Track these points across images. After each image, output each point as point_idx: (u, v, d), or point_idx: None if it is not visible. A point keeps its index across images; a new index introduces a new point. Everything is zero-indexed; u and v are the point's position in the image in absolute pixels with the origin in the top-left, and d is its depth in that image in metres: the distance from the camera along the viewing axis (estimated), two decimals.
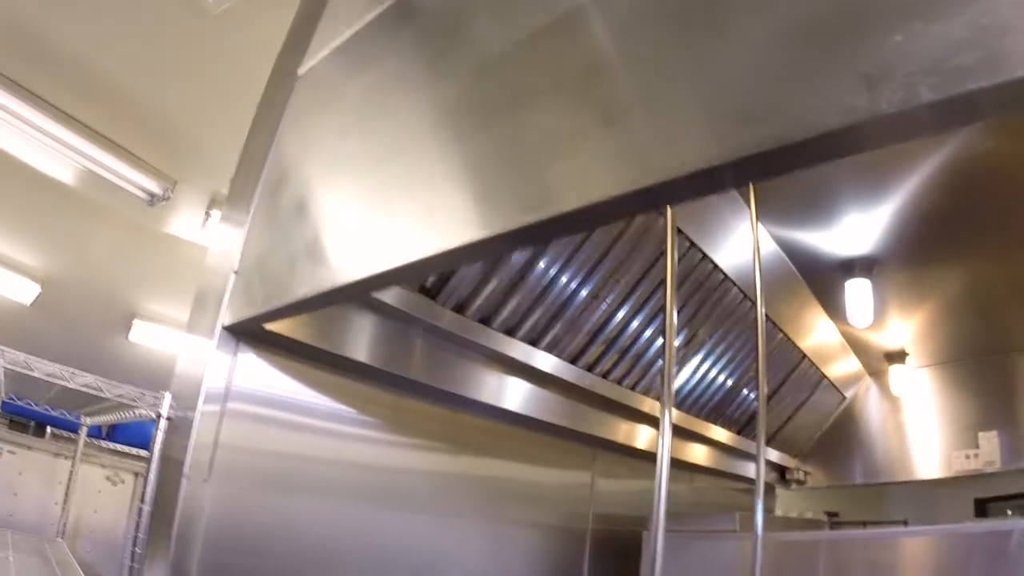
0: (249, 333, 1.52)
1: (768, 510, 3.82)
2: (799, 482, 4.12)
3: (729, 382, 2.97)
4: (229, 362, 1.52)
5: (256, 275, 1.43)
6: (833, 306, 3.10)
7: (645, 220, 2.05)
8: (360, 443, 1.83)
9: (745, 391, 3.10)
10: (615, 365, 2.40)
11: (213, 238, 1.91)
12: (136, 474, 3.68)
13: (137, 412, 1.64)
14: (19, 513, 3.17)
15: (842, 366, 3.77)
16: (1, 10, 2.56)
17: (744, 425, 3.30)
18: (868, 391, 4.12)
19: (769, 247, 2.65)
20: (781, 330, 2.98)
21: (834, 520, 4.03)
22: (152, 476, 1.48)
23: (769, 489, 4.05)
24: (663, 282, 1.44)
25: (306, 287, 1.20)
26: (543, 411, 2.22)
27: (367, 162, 1.22)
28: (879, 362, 3.89)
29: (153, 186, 3.41)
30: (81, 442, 2.85)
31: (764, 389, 1.79)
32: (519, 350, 2.02)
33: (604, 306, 2.19)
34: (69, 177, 3.38)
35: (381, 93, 1.28)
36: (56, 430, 3.88)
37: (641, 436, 2.70)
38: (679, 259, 2.25)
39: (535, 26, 0.96)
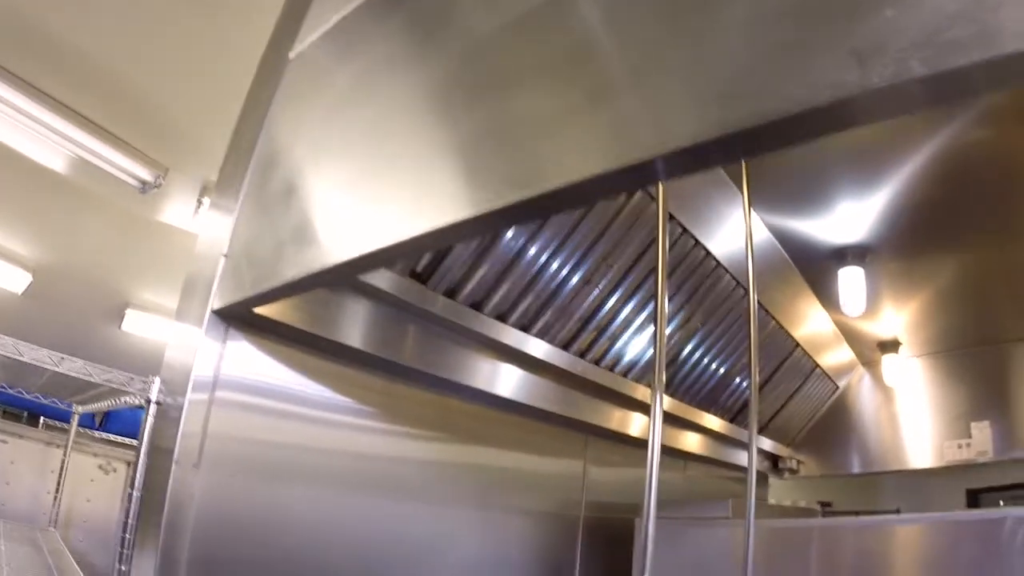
0: (239, 318, 1.51)
1: (761, 499, 3.83)
2: (792, 471, 4.14)
3: (722, 370, 2.97)
4: (219, 348, 1.51)
5: (245, 258, 1.42)
6: (826, 295, 3.11)
7: (637, 205, 2.04)
8: (352, 431, 1.82)
9: (738, 379, 3.10)
10: (607, 352, 2.40)
11: (203, 224, 1.90)
12: (128, 463, 3.67)
13: (127, 398, 1.64)
14: (11, 502, 3.17)
15: (835, 355, 3.78)
16: None
17: (737, 413, 3.31)
18: (861, 381, 4.14)
19: (762, 234, 2.64)
20: (774, 318, 2.99)
21: (827, 510, 4.05)
22: (141, 461, 1.47)
23: (762, 479, 4.07)
24: (655, 268, 1.43)
25: (295, 269, 1.19)
26: (535, 397, 2.22)
27: (355, 143, 1.21)
28: (872, 352, 3.90)
29: (145, 173, 3.38)
30: (73, 430, 2.84)
31: (756, 377, 1.79)
32: (511, 336, 2.01)
33: (596, 292, 2.18)
34: (60, 165, 3.35)
35: (370, 76, 1.27)
36: (50, 420, 3.87)
37: (634, 423, 2.70)
38: (671, 246, 2.25)
39: (524, 7, 0.95)
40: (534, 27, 0.92)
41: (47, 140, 3.13)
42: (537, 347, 2.11)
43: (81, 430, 3.21)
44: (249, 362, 1.58)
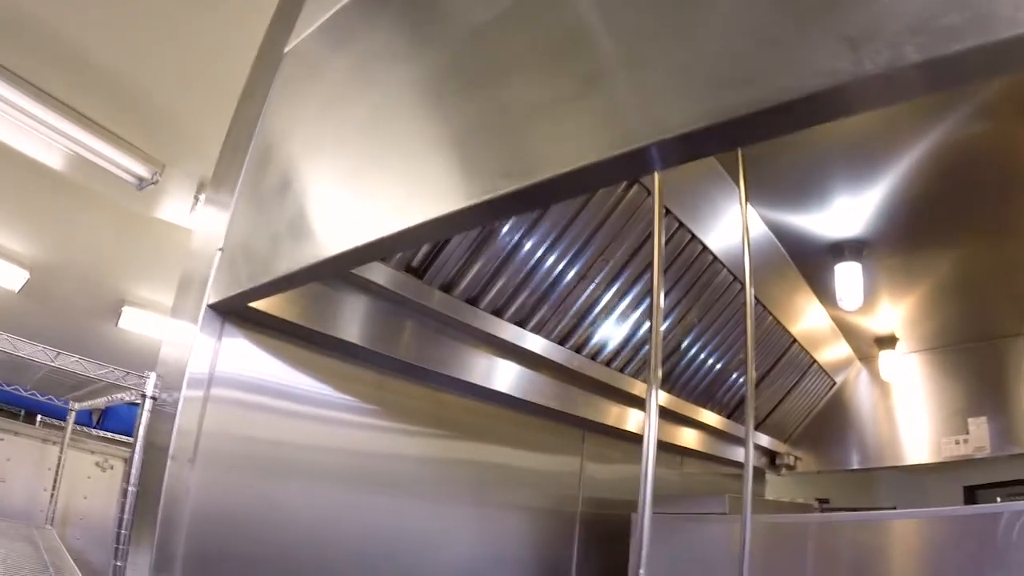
0: (234, 313, 1.51)
1: (758, 496, 3.83)
2: (789, 467, 4.14)
3: (718, 365, 2.97)
4: (214, 344, 1.51)
5: (240, 253, 1.42)
6: (823, 290, 3.11)
7: (633, 200, 2.04)
8: (347, 426, 1.82)
9: (735, 375, 3.10)
10: (603, 347, 2.40)
11: (199, 221, 1.90)
12: (125, 460, 3.66)
13: (123, 394, 1.63)
14: (7, 500, 3.15)
15: (832, 351, 3.78)
16: None
17: (734, 409, 3.31)
18: (858, 376, 4.14)
19: (759, 229, 2.64)
20: (771, 313, 2.99)
21: (825, 507, 4.05)
22: (137, 457, 1.47)
23: (759, 475, 4.07)
24: (652, 263, 1.43)
25: (289, 262, 1.19)
26: (532, 393, 2.22)
27: (349, 136, 1.21)
28: (869, 347, 3.90)
29: (141, 170, 3.38)
30: (69, 426, 2.83)
31: (753, 373, 1.78)
32: (508, 331, 2.01)
33: (592, 287, 2.18)
34: (56, 162, 3.35)
35: (364, 69, 1.27)
36: (46, 418, 3.87)
37: (630, 419, 2.70)
38: (667, 241, 2.25)
39: None
40: (526, 16, 0.92)
41: (43, 137, 3.12)
42: (534, 342, 2.11)
43: (78, 427, 3.20)
44: (245, 358, 1.57)
